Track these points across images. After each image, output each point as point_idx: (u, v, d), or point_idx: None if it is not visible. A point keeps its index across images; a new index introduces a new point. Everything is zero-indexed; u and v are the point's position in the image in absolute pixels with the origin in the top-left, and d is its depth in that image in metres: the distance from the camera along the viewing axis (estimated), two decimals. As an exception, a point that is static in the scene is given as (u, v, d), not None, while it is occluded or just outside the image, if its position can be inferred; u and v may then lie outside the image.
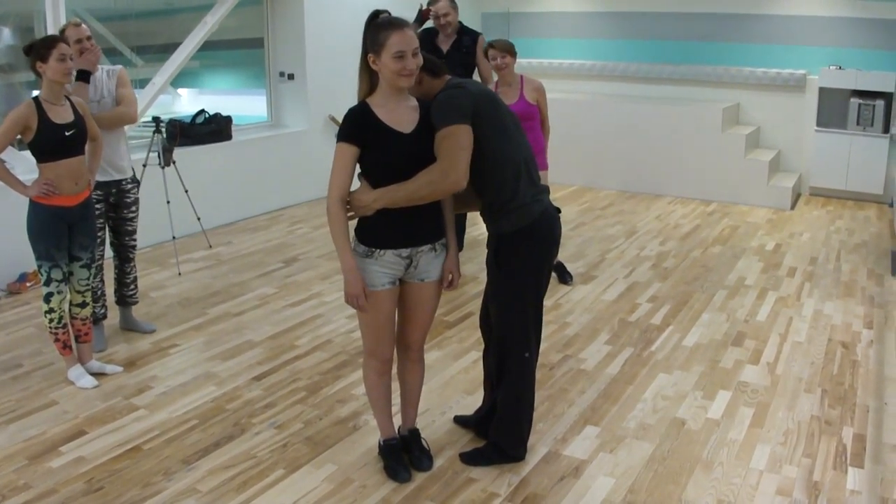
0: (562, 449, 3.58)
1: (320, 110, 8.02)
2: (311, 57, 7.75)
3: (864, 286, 5.99)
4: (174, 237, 5.87)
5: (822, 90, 8.42)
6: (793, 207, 8.32)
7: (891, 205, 8.36)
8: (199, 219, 6.14)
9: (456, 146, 2.89)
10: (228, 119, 6.99)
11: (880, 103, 8.24)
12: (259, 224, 7.15)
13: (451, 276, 3.18)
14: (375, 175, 2.94)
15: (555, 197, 5.41)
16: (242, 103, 8.06)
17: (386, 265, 3.01)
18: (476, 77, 5.72)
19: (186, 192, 5.89)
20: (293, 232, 6.90)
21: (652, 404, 4.03)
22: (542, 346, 4.50)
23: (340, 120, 3.02)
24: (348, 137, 2.91)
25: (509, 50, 5.36)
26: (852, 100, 8.32)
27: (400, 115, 2.95)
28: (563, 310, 5.27)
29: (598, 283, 5.81)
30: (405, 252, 3.02)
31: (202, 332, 4.74)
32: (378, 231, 2.99)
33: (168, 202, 5.69)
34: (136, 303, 4.69)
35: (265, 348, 4.52)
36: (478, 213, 3.30)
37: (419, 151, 2.93)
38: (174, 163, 5.62)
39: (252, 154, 7.30)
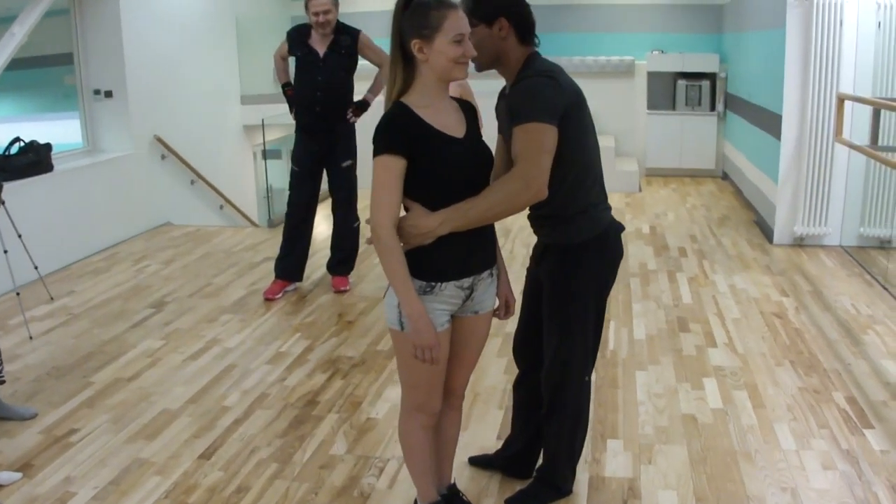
0: (601, 471, 3.14)
1: (145, 131, 6.97)
2: (132, 71, 6.70)
3: (755, 257, 6.11)
4: (17, 293, 4.70)
5: (650, 74, 8.67)
6: (640, 190, 8.45)
7: (723, 177, 8.79)
8: (36, 267, 4.99)
9: (540, 148, 2.33)
10: (48, 147, 5.81)
11: (706, 83, 8.62)
12: (97, 265, 6.02)
13: (507, 302, 2.62)
14: (428, 191, 2.31)
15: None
16: (48, 129, 6.80)
17: (446, 301, 2.38)
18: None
19: (20, 236, 4.76)
20: (142, 271, 5.87)
21: (652, 405, 3.72)
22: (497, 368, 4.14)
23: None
24: (394, 147, 2.25)
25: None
26: (679, 81, 8.62)
27: (447, 116, 2.35)
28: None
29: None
30: (467, 282, 2.41)
31: (99, 407, 3.73)
32: (438, 260, 2.35)
33: (6, 251, 4.54)
34: (3, 382, 3.62)
35: (192, 417, 3.62)
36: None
37: (477, 159, 2.38)
38: (3, 203, 4.47)
39: (74, 186, 6.16)
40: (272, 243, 6.32)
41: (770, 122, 6.62)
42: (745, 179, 7.73)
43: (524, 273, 2.94)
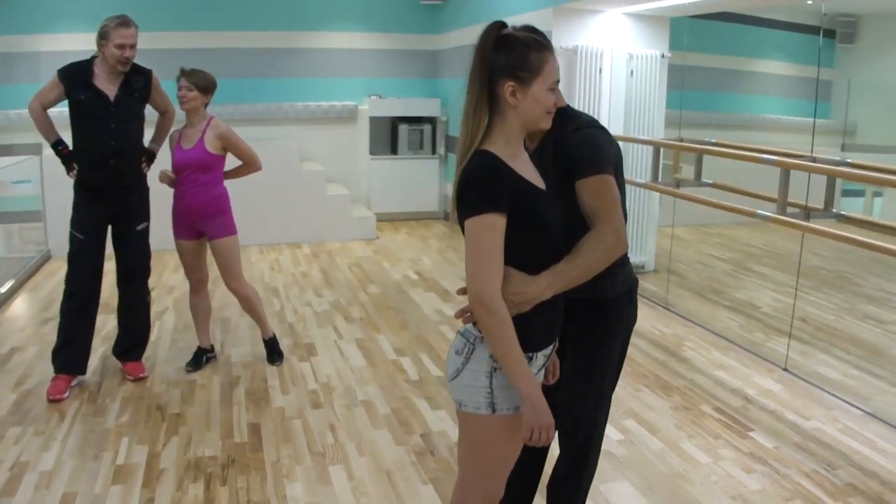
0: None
1: None
2: None
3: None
4: None
5: (372, 119, 8.56)
6: (377, 237, 8.24)
7: (447, 218, 8.96)
8: None
9: (616, 200, 2.20)
10: None
11: (428, 127, 8.73)
12: None
13: (554, 364, 2.32)
14: (523, 252, 1.96)
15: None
16: None
17: (534, 373, 2.05)
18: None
19: None
20: None
21: (637, 433, 3.74)
22: (411, 434, 3.77)
23: None
24: (498, 204, 1.89)
25: (200, 85, 4.16)
26: (401, 126, 8.63)
27: (529, 168, 2.05)
28: (349, 383, 4.29)
29: (330, 351, 4.88)
30: (548, 350, 2.13)
31: None
32: (536, 328, 2.03)
33: None
34: None
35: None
36: None
37: (561, 212, 2.08)
38: None
39: None
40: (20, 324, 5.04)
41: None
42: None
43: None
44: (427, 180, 8.91)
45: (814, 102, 10.29)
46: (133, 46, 3.94)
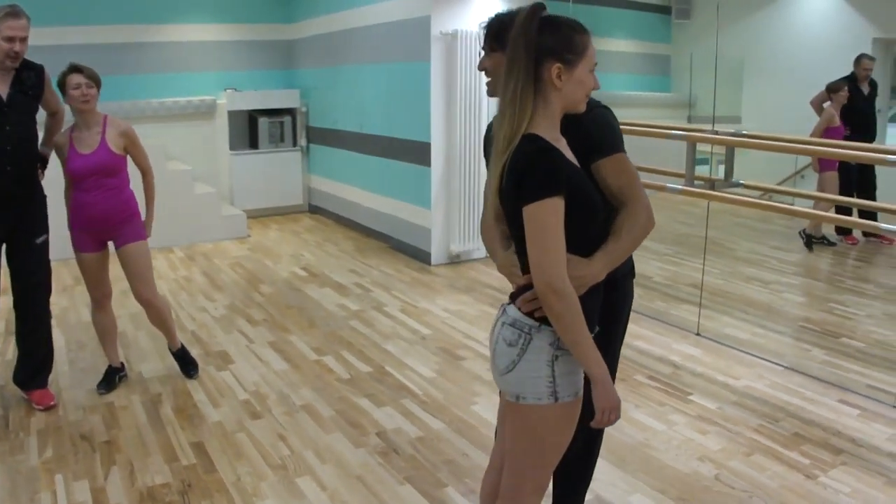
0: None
1: None
2: None
3: (431, 279, 6.25)
4: None
5: (230, 114, 8.16)
6: (249, 234, 7.89)
7: (311, 210, 8.75)
8: None
9: (636, 177, 2.22)
10: None
11: (287, 119, 8.44)
12: None
13: None
14: (577, 233, 1.92)
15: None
16: None
17: None
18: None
19: None
20: None
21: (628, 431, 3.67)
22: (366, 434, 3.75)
23: None
24: (559, 188, 1.85)
25: (97, 80, 3.82)
26: (261, 119, 8.29)
27: (567, 148, 2.00)
28: (281, 397, 4.08)
29: (246, 357, 4.62)
30: (594, 332, 2.08)
31: None
32: (589, 312, 1.98)
33: None
34: None
35: None
36: None
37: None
38: None
39: None
40: None
41: (412, 150, 6.78)
42: (363, 209, 7.78)
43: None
44: (290, 173, 8.64)
45: (657, 77, 10.87)
46: (24, 40, 3.53)
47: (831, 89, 6.56)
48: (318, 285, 6.10)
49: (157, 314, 4.17)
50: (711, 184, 4.60)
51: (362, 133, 7.60)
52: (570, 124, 2.25)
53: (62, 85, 3.73)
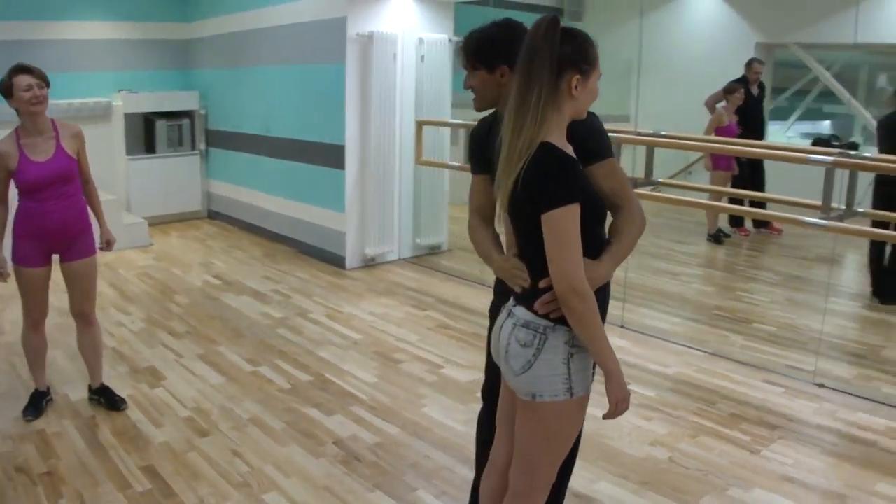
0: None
1: None
2: None
3: (348, 283, 6.20)
4: None
5: (127, 116, 7.80)
6: (152, 243, 7.55)
7: (210, 216, 8.50)
8: None
9: (626, 179, 2.31)
10: None
11: (186, 122, 8.15)
12: None
13: None
14: (586, 236, 1.99)
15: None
16: None
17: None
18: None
19: None
20: None
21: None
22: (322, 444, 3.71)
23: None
24: (576, 195, 1.96)
25: (47, 80, 3.60)
26: (159, 122, 7.97)
27: (572, 153, 2.08)
28: (225, 413, 3.95)
29: (177, 372, 4.45)
30: None
31: None
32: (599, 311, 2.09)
33: None
34: None
35: None
36: None
37: None
38: None
39: None
40: None
41: (325, 153, 6.67)
42: (270, 214, 7.59)
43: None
44: (189, 178, 8.33)
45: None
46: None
47: (728, 91, 6.93)
48: (235, 293, 5.93)
49: (95, 336, 3.95)
50: (634, 182, 4.77)
51: (269, 136, 7.43)
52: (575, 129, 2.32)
53: (7, 88, 3.47)
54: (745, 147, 5.30)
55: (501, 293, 2.41)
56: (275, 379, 4.33)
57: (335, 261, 6.72)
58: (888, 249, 5.57)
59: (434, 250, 7.12)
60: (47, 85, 3.57)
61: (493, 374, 2.58)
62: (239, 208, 8.13)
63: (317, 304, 5.70)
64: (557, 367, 2.03)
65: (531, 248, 2.03)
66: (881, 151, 5.19)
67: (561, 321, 2.00)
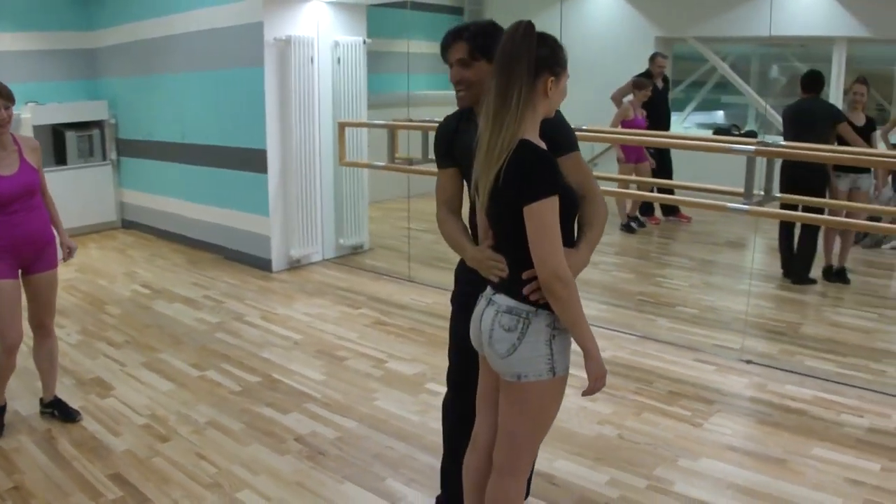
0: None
1: None
2: None
3: (277, 286, 6.30)
4: None
5: (35, 129, 7.59)
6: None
7: (125, 225, 8.39)
8: None
9: (591, 172, 2.56)
10: None
11: (96, 132, 8.01)
12: None
13: None
14: (563, 224, 2.17)
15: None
16: None
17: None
18: None
19: None
20: None
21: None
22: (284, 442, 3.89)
23: None
24: (557, 188, 2.14)
25: (13, 97, 3.60)
26: (68, 133, 7.80)
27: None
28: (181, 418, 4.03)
29: (126, 381, 4.48)
30: None
31: None
32: None
33: None
34: None
35: None
36: None
37: None
38: None
39: None
40: None
41: (246, 158, 6.71)
42: (190, 221, 7.56)
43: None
44: (102, 189, 8.19)
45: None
46: None
47: (637, 86, 7.30)
48: (167, 301, 5.94)
49: (52, 347, 3.97)
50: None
51: (185, 143, 7.40)
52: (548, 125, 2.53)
53: None
54: (671, 140, 5.65)
55: (467, 282, 2.57)
56: (224, 382, 4.42)
57: (261, 264, 6.78)
58: (797, 232, 6.00)
59: (357, 250, 7.27)
60: (13, 102, 3.58)
61: (461, 360, 2.73)
62: (156, 217, 8.06)
63: (250, 307, 5.78)
64: (540, 349, 2.20)
65: (510, 240, 2.20)
66: (786, 139, 5.58)
67: (543, 305, 2.18)
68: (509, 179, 2.12)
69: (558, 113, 2.49)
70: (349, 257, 7.15)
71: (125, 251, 7.59)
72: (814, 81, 5.92)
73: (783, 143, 5.01)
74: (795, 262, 6.07)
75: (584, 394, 2.28)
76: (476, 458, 2.54)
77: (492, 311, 2.27)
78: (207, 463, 3.52)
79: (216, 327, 5.34)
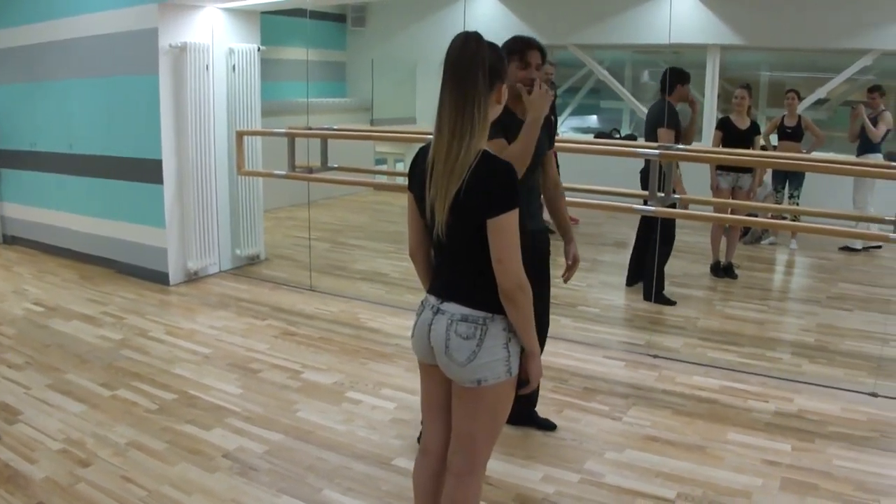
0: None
1: None
2: None
3: (177, 300, 6.18)
4: None
5: None
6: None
7: (8, 241, 8.00)
8: None
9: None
10: None
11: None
12: None
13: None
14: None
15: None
16: None
17: None
18: None
19: None
20: None
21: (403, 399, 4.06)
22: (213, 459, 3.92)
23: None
24: (519, 200, 2.22)
25: None
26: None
27: None
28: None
29: (32, 405, 4.31)
30: None
31: None
32: None
33: None
34: None
35: None
36: None
37: None
38: None
39: None
40: None
41: (140, 169, 6.53)
42: (80, 235, 7.28)
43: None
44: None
45: (334, 83, 11.42)
46: None
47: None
48: (64, 319, 5.73)
49: None
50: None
51: (72, 154, 7.12)
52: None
53: None
54: (579, 145, 5.89)
55: None
56: (138, 401, 4.34)
57: (158, 277, 6.63)
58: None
59: (253, 260, 7.21)
60: None
61: None
62: (41, 231, 7.71)
63: (153, 322, 5.66)
64: (499, 353, 2.28)
65: (467, 250, 2.25)
66: (646, 139, 5.71)
67: (498, 311, 2.25)
68: (473, 192, 2.16)
69: (553, 110, 2.69)
70: (246, 268, 7.09)
71: (10, 268, 7.24)
72: (661, 83, 5.87)
73: (681, 146, 5.30)
74: (659, 280, 5.88)
75: (524, 392, 2.38)
76: (428, 465, 2.57)
77: (444, 320, 2.31)
78: (135, 486, 3.46)
79: (120, 344, 5.20)
